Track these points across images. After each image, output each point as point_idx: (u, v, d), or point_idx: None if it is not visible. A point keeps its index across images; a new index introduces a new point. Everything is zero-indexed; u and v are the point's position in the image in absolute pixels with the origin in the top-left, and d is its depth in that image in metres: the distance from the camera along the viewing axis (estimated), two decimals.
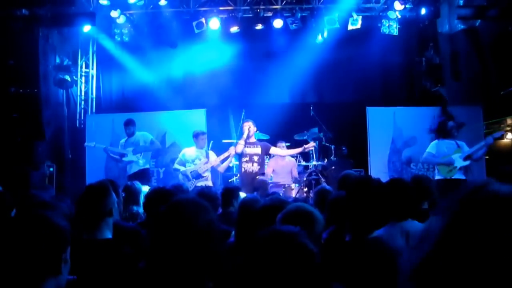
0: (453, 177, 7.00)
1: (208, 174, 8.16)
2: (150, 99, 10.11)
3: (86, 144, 8.89)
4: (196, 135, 8.14)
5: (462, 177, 7.07)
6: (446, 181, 7.00)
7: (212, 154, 8.24)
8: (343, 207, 2.75)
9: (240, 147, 7.73)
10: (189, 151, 8.23)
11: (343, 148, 9.37)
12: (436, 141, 7.31)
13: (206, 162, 8.12)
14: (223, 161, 8.13)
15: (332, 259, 2.50)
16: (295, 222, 2.33)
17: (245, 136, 7.78)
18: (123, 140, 8.28)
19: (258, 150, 7.78)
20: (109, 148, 8.42)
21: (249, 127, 7.83)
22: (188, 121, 9.25)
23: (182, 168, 8.05)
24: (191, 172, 8.03)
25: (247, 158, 7.73)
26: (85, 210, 2.80)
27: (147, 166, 8.37)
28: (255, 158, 7.72)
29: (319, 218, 2.49)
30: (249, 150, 7.76)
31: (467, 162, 7.08)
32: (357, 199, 2.66)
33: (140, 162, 8.12)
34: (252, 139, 7.91)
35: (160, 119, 9.43)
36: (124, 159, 8.14)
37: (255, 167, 7.69)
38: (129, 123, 8.19)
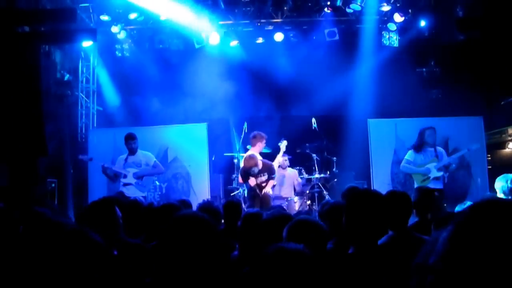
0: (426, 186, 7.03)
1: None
2: (151, 114, 10.17)
3: (80, 157, 8.55)
4: (255, 137, 7.71)
5: (438, 186, 7.09)
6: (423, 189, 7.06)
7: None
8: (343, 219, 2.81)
9: (254, 182, 7.64)
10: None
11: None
12: (412, 149, 7.47)
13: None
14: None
15: (337, 271, 2.55)
16: (301, 234, 2.39)
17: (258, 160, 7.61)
18: (122, 157, 7.80)
19: (264, 178, 7.67)
20: (110, 166, 7.78)
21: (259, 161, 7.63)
22: (189, 136, 9.30)
23: (251, 180, 7.64)
24: (258, 184, 7.66)
25: (258, 188, 7.68)
26: (89, 227, 2.84)
27: (145, 194, 7.79)
28: (263, 184, 7.67)
29: (325, 230, 2.55)
30: (259, 180, 7.66)
31: (441, 173, 7.20)
32: (358, 211, 2.70)
33: (142, 190, 7.67)
34: (261, 164, 7.66)
35: (162, 133, 9.46)
36: (122, 179, 7.63)
37: (267, 190, 7.66)
38: (130, 138, 7.64)
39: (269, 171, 7.72)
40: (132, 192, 7.54)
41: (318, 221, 2.68)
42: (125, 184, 7.63)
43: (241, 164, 7.78)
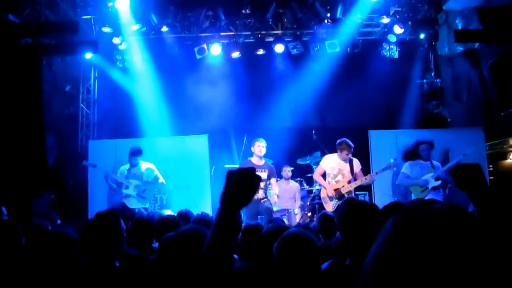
0: (426, 198, 7.08)
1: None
2: (152, 125, 10.25)
3: (84, 163, 8.58)
4: (339, 144, 7.45)
5: (437, 197, 7.10)
6: (419, 201, 7.13)
7: (356, 162, 7.55)
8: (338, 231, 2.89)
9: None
10: (331, 162, 7.52)
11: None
12: (408, 162, 7.48)
13: (351, 181, 7.41)
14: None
15: (334, 283, 2.64)
16: (293, 248, 2.45)
17: (258, 158, 7.62)
18: (125, 168, 7.96)
19: (264, 175, 7.56)
20: (111, 174, 8.01)
21: (263, 147, 7.62)
22: (190, 147, 9.35)
23: (323, 184, 7.46)
24: (334, 191, 7.43)
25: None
26: (94, 239, 2.92)
27: (147, 205, 7.99)
28: (261, 184, 7.37)
29: (316, 243, 2.62)
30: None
31: (439, 182, 7.21)
32: (354, 223, 2.79)
33: (142, 202, 7.83)
34: (262, 162, 7.70)
35: (163, 145, 9.50)
36: (123, 190, 7.83)
37: (260, 194, 7.45)
38: (137, 153, 7.85)
39: (270, 170, 7.59)
40: (133, 203, 7.73)
41: (309, 234, 2.75)
42: (127, 196, 7.81)
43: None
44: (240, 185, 1.54)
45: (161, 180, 8.07)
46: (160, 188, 8.62)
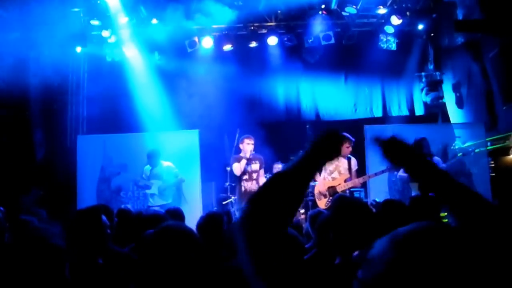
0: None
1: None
2: (142, 120, 10.24)
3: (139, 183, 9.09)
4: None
5: None
6: (419, 198, 7.41)
7: (353, 162, 7.76)
8: (329, 230, 2.90)
9: (239, 168, 7.86)
10: None
11: None
12: None
13: (348, 179, 7.58)
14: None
15: (320, 282, 2.66)
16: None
17: (248, 155, 7.91)
18: (147, 168, 8.55)
19: (256, 166, 7.95)
20: (141, 179, 8.61)
21: (252, 145, 7.97)
22: (181, 142, 9.36)
23: (317, 179, 7.62)
24: (328, 188, 7.58)
25: (247, 176, 7.86)
26: (75, 236, 2.94)
27: (170, 201, 8.47)
28: (254, 175, 7.88)
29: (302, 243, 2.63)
30: (249, 168, 7.91)
31: None
32: (344, 221, 2.81)
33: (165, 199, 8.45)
34: (250, 155, 8.00)
35: (153, 140, 9.50)
36: (147, 191, 8.52)
37: (254, 185, 7.77)
38: (155, 155, 8.49)
39: (261, 161, 8.01)
40: (156, 201, 8.39)
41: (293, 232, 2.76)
42: (151, 195, 8.50)
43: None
44: (324, 146, 1.60)
45: (180, 178, 8.67)
46: (179, 184, 8.91)
